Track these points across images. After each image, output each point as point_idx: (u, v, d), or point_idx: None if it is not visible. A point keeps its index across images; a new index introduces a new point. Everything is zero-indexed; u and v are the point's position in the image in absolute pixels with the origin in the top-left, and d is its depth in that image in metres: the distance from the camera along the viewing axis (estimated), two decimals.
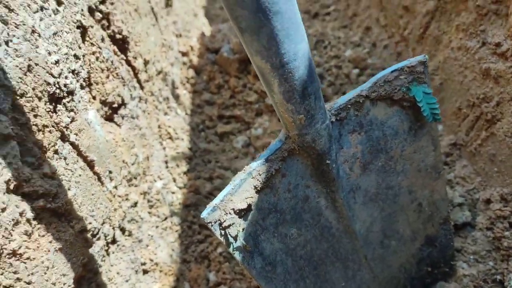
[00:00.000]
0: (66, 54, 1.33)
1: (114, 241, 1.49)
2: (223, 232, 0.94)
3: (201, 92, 2.53)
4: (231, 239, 0.96)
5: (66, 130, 1.28)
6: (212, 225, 0.92)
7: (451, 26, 1.83)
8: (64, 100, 1.30)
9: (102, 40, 1.65)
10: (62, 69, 1.28)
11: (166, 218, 1.82)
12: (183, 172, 2.05)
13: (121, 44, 1.82)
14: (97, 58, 1.58)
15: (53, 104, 1.23)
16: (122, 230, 1.55)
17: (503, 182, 1.54)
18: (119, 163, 1.59)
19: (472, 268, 1.52)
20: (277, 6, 0.73)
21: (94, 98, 1.55)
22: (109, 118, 1.64)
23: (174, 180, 2.00)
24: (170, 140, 2.12)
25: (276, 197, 1.01)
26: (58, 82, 1.25)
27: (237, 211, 0.94)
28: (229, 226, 0.94)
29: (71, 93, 1.34)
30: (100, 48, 1.61)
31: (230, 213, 0.93)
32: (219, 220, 0.92)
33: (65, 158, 1.24)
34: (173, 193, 1.94)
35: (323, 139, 0.96)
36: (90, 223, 1.30)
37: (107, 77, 1.64)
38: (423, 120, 1.12)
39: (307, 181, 1.04)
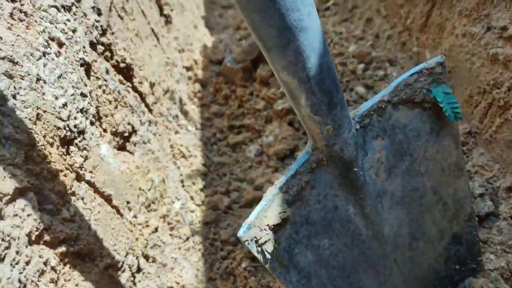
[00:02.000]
0: (72, 94, 1.34)
1: (139, 270, 1.51)
2: (259, 249, 0.96)
3: (209, 105, 2.53)
4: (268, 255, 0.98)
5: (81, 170, 1.30)
6: (248, 243, 0.94)
7: (453, 12, 1.79)
8: (75, 141, 1.32)
9: (107, 72, 1.67)
10: (70, 111, 1.30)
11: (188, 238, 1.84)
12: (199, 189, 2.07)
13: (126, 72, 1.84)
14: (103, 91, 1.60)
15: (65, 146, 1.25)
16: (146, 257, 1.57)
17: None
18: (136, 191, 1.61)
19: (500, 259, 1.49)
20: (303, 23, 0.76)
21: (105, 131, 1.57)
22: (121, 148, 1.66)
23: (192, 198, 2.02)
24: (183, 158, 2.13)
25: (307, 209, 1.03)
26: (68, 125, 1.27)
27: (272, 227, 0.96)
28: (265, 242, 0.96)
29: (82, 132, 1.36)
30: (106, 80, 1.62)
31: (265, 229, 0.95)
32: (255, 237, 0.94)
33: (82, 198, 1.26)
34: (192, 211, 1.96)
35: (350, 147, 0.98)
36: (113, 257, 1.32)
37: (116, 107, 1.66)
38: (444, 120, 1.12)
39: (336, 191, 1.05)
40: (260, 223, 0.94)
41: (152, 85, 2.07)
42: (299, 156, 1.01)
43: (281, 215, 0.97)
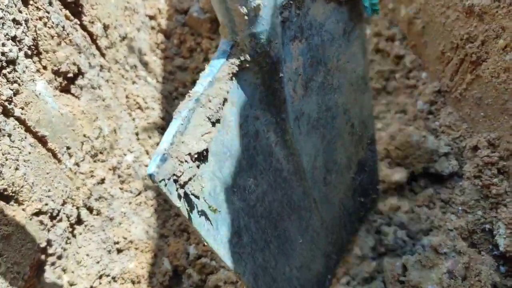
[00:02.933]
0: (1, 18, 1.17)
1: (80, 221, 1.39)
2: (182, 192, 0.69)
3: (173, 57, 2.37)
4: (194, 200, 0.72)
5: (9, 103, 1.14)
6: (166, 185, 0.66)
7: None
8: (4, 71, 1.16)
9: (50, 3, 1.49)
10: None
11: (139, 193, 1.72)
12: (156, 144, 1.93)
13: (74, 7, 1.65)
14: (45, 24, 1.42)
15: None
16: (89, 209, 1.44)
17: (490, 126, 1.44)
18: (79, 137, 1.46)
19: (461, 219, 1.45)
20: None
21: (44, 68, 1.41)
22: (64, 90, 1.50)
23: (147, 152, 1.88)
24: (139, 110, 1.98)
25: (228, 134, 0.80)
26: None
27: (195, 156, 0.70)
28: (188, 181, 0.70)
29: (12, 62, 1.19)
30: (48, 12, 1.44)
31: (186, 160, 0.69)
32: (174, 174, 0.67)
33: (9, 135, 1.11)
34: (146, 166, 1.83)
35: (278, 39, 0.79)
36: (46, 204, 1.19)
37: (59, 44, 1.48)
38: (356, 19, 1.03)
39: (256, 111, 0.86)
40: (177, 152, 0.67)
41: (106, 27, 1.89)
42: (214, 56, 0.77)
43: (206, 137, 0.72)
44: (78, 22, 1.66)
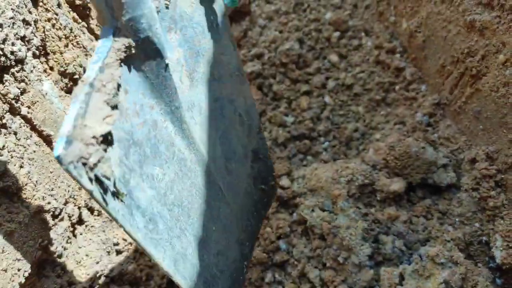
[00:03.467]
0: (12, 18, 1.19)
1: (81, 221, 1.40)
2: (92, 175, 0.66)
3: None
4: (106, 183, 0.69)
5: (16, 102, 1.16)
6: (75, 167, 0.62)
7: None
8: (12, 70, 1.18)
9: (59, 5, 1.51)
10: (7, 35, 1.16)
11: None
12: None
13: (82, 10, 1.68)
14: (53, 26, 1.44)
15: None
16: (90, 209, 1.45)
17: (488, 139, 1.47)
18: None
19: (458, 230, 1.46)
20: None
21: (51, 68, 1.42)
22: (70, 91, 1.52)
23: None
24: None
25: (128, 122, 0.77)
26: (2, 49, 1.13)
27: (100, 138, 0.67)
28: (98, 162, 0.66)
29: (20, 61, 1.21)
30: (57, 14, 1.47)
31: (92, 143, 0.65)
32: (82, 157, 0.63)
33: (15, 133, 1.13)
34: None
35: (157, 24, 0.78)
36: (49, 202, 1.20)
37: (66, 46, 1.51)
38: (219, 12, 1.03)
39: (150, 100, 0.84)
40: (81, 134, 0.64)
41: None
42: (98, 45, 0.74)
43: (108, 120, 0.69)
44: (86, 25, 1.68)
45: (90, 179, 0.65)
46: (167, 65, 0.84)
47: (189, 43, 0.96)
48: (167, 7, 0.86)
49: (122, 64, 0.75)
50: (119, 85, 0.73)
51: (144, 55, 0.80)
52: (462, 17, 1.52)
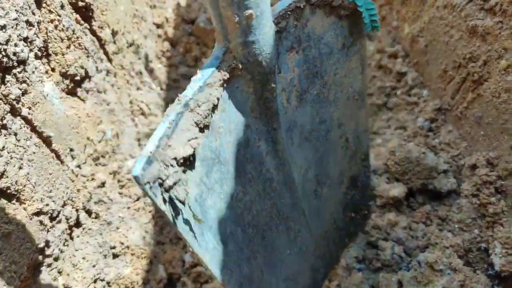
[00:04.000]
0: (15, 19, 1.19)
1: (78, 224, 1.39)
2: (167, 196, 0.67)
3: (178, 65, 2.40)
4: (179, 206, 0.70)
5: (17, 103, 1.16)
6: (151, 188, 0.64)
7: None
8: (14, 70, 1.17)
9: (62, 7, 1.51)
10: (10, 36, 1.15)
11: (138, 199, 1.72)
12: None
13: (84, 12, 1.68)
14: (56, 27, 1.45)
15: (0, 74, 1.11)
16: (88, 212, 1.45)
17: (489, 145, 1.46)
18: (82, 140, 1.48)
19: (457, 237, 1.45)
20: None
21: (53, 70, 1.43)
22: (71, 92, 1.52)
23: None
24: (143, 116, 2.00)
25: (218, 141, 0.78)
26: (5, 50, 1.13)
27: (181, 160, 0.68)
28: (174, 185, 0.67)
29: (22, 62, 1.21)
30: (60, 15, 1.47)
31: (172, 165, 0.67)
32: (159, 178, 0.65)
33: (15, 134, 1.13)
34: None
35: (271, 49, 0.78)
36: (47, 204, 1.19)
37: (68, 47, 1.51)
38: (357, 34, 1.03)
39: (247, 119, 0.86)
40: (163, 155, 0.65)
41: (114, 33, 1.92)
42: (206, 62, 0.76)
43: (192, 143, 0.70)
44: (88, 27, 1.68)
45: (164, 200, 0.66)
46: (272, 88, 0.84)
47: (310, 63, 0.95)
48: (294, 28, 0.87)
49: (225, 84, 0.76)
50: (214, 106, 0.75)
51: (250, 77, 0.80)
52: (464, 22, 1.52)
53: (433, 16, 1.73)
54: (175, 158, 0.67)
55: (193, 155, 0.71)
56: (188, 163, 0.71)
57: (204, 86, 0.73)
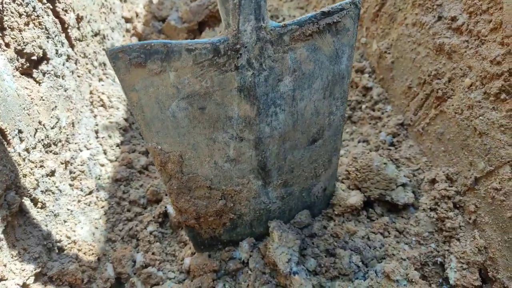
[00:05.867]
0: None
1: (21, 212, 1.28)
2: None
3: None
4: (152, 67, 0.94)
5: None
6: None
7: (407, 3, 1.76)
8: None
9: None
10: None
11: (91, 192, 1.62)
12: (115, 144, 1.85)
13: None
14: (13, 0, 1.35)
15: None
16: (34, 201, 1.34)
17: (449, 161, 1.49)
18: (33, 123, 1.37)
19: (414, 250, 1.45)
20: None
21: (7, 45, 1.33)
22: (26, 72, 1.42)
23: (105, 152, 1.80)
24: (102, 108, 1.91)
25: (185, 76, 0.99)
26: None
27: (163, 57, 0.94)
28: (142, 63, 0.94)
29: None
30: None
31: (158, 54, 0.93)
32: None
33: None
34: (102, 165, 1.74)
35: (250, 42, 0.98)
36: None
37: (26, 24, 1.41)
38: (347, 37, 1.13)
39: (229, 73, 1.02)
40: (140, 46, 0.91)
41: (79, 18, 1.83)
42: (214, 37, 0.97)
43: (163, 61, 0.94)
44: (51, 7, 1.59)
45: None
46: (252, 64, 1.01)
47: (303, 70, 1.10)
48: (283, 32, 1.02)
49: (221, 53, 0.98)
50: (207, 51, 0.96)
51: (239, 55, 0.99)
52: (432, 40, 1.56)
53: (402, 33, 1.77)
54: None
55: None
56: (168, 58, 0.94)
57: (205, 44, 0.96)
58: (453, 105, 1.44)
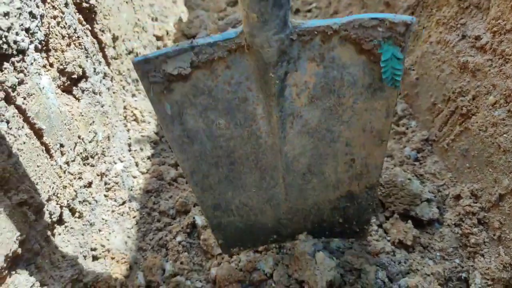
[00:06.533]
0: (19, 8, 1.21)
1: (61, 221, 1.36)
2: (147, 85, 0.97)
3: None
4: (155, 90, 0.98)
5: (13, 91, 1.16)
6: (139, 70, 0.94)
7: (431, 21, 1.79)
8: (12, 59, 1.18)
9: (66, 5, 1.54)
10: (12, 24, 1.16)
11: (123, 203, 1.70)
12: (146, 157, 1.94)
13: (87, 13, 1.71)
14: (58, 23, 1.46)
15: None
16: (72, 210, 1.42)
17: (474, 177, 1.50)
18: (73, 138, 1.46)
19: (438, 265, 1.46)
20: None
21: (51, 65, 1.43)
22: (67, 90, 1.52)
23: (137, 164, 1.88)
24: (135, 122, 2.00)
25: (214, 82, 1.00)
26: (6, 37, 1.13)
27: (167, 74, 0.95)
28: (154, 82, 0.96)
29: (22, 52, 1.22)
30: (63, 13, 1.49)
31: (159, 72, 0.94)
32: (147, 73, 0.94)
33: (7, 122, 1.12)
34: (134, 177, 1.82)
35: (271, 50, 0.93)
36: (32, 197, 1.17)
37: (68, 45, 1.52)
38: (384, 83, 1.02)
39: (251, 84, 1.01)
40: (157, 63, 0.93)
41: (115, 38, 1.94)
42: (227, 31, 0.96)
43: (180, 70, 0.95)
44: (90, 28, 1.70)
45: (146, 85, 0.97)
46: (271, 77, 0.98)
47: (328, 79, 1.02)
48: (319, 46, 0.96)
49: (233, 52, 0.95)
50: (218, 59, 0.95)
51: (255, 58, 0.95)
52: (456, 58, 1.58)
53: (426, 51, 1.80)
54: (163, 70, 0.94)
55: (177, 78, 0.96)
56: (172, 78, 0.96)
57: (213, 44, 0.93)
58: (477, 122, 1.46)
